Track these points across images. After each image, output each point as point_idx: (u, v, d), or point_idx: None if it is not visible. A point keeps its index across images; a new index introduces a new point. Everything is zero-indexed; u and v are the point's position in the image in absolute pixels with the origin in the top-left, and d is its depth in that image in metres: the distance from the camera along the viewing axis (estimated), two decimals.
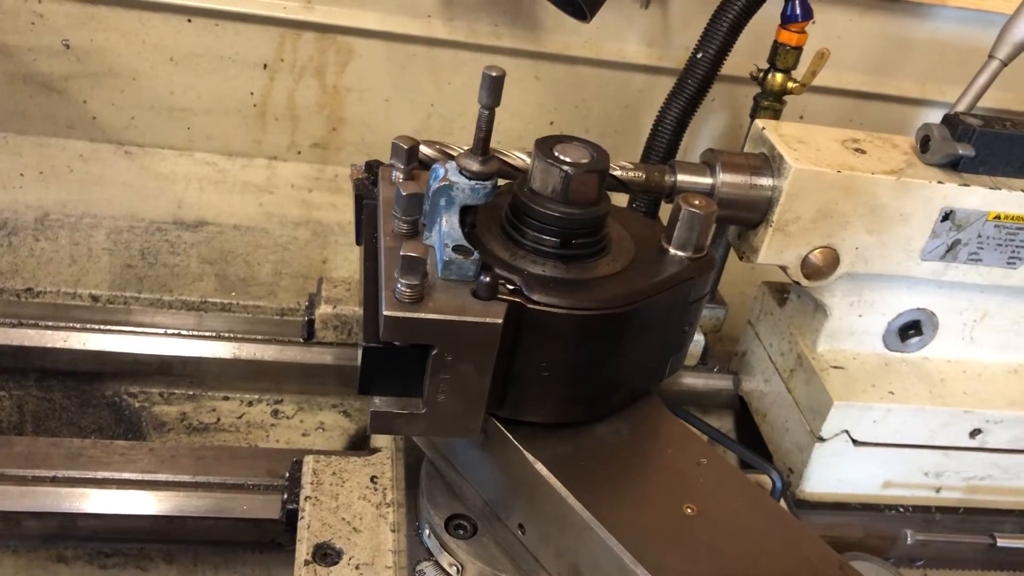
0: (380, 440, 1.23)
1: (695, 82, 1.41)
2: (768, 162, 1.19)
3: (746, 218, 1.20)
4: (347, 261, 1.76)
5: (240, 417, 1.48)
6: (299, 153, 1.78)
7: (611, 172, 1.15)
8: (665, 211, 1.06)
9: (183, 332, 1.44)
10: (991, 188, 1.19)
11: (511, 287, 0.86)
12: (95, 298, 1.62)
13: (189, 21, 1.61)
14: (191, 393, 1.47)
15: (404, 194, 0.89)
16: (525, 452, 0.91)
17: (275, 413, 1.49)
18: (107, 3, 1.58)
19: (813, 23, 1.48)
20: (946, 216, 1.20)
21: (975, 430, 1.29)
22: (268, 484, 1.23)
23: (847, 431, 1.26)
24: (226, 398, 1.48)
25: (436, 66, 1.71)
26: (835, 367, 1.30)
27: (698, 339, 1.53)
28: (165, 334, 1.44)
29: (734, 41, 1.40)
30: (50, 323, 1.41)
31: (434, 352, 0.83)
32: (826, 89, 1.76)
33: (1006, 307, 1.33)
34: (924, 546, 1.32)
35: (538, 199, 0.91)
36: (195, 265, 1.69)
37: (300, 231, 1.75)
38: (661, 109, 1.44)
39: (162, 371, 1.44)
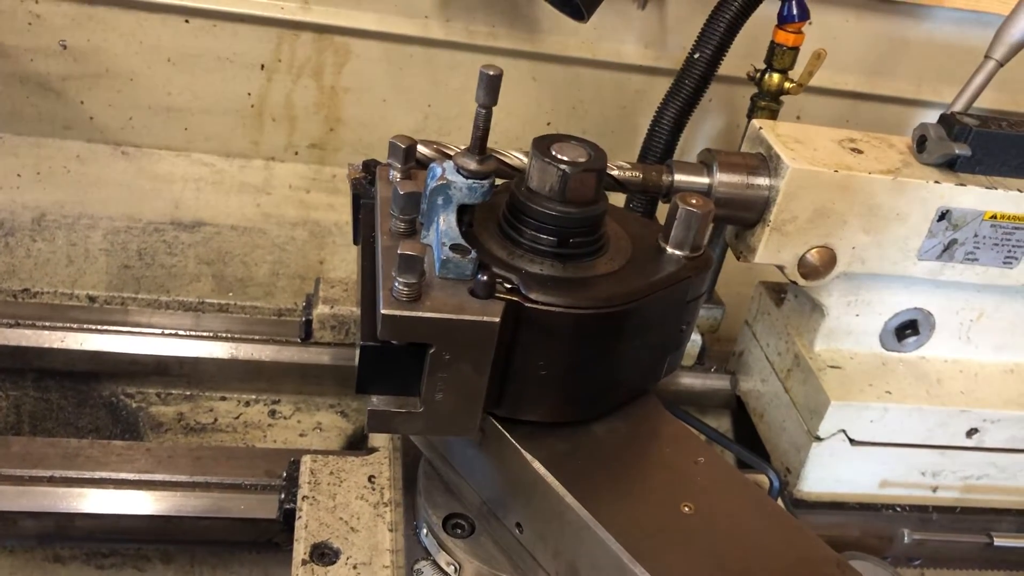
0: (378, 440, 1.23)
1: (692, 82, 1.41)
2: (765, 162, 1.19)
3: (743, 218, 1.20)
4: (344, 261, 1.76)
5: (237, 417, 1.48)
6: (296, 154, 1.78)
7: (608, 172, 1.15)
8: (662, 211, 1.06)
9: (180, 332, 1.44)
10: (987, 188, 1.19)
11: (508, 286, 0.86)
12: (92, 298, 1.62)
13: (187, 22, 1.61)
14: (188, 393, 1.47)
15: (401, 193, 0.89)
16: (523, 451, 0.91)
17: (272, 413, 1.49)
18: (104, 3, 1.58)
19: (810, 24, 1.48)
20: (942, 216, 1.20)
21: (972, 429, 1.29)
22: (265, 484, 1.23)
23: (844, 431, 1.26)
24: (223, 398, 1.48)
25: (433, 67, 1.71)
26: (832, 367, 1.30)
27: (695, 339, 1.53)
28: (162, 334, 1.44)
29: (731, 41, 1.41)
30: (47, 323, 1.41)
31: (432, 351, 0.83)
32: (823, 89, 1.77)
33: (1003, 307, 1.33)
34: (921, 545, 1.33)
35: (536, 198, 0.91)
36: (192, 265, 1.69)
37: (297, 231, 1.75)
38: (658, 109, 1.44)
39: (159, 371, 1.44)
